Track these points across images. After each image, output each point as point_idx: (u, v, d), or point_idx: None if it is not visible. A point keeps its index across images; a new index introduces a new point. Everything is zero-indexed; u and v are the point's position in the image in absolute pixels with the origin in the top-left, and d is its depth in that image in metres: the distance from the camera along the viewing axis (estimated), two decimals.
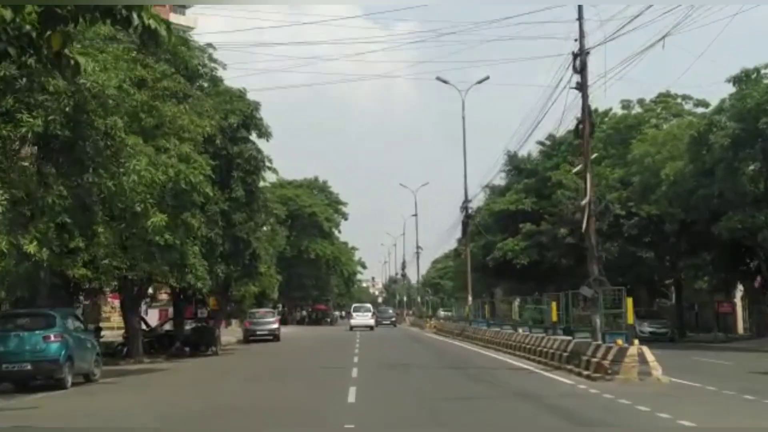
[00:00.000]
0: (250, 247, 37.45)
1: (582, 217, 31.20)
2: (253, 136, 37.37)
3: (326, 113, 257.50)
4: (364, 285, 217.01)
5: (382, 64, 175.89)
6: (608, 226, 45.81)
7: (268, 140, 38.33)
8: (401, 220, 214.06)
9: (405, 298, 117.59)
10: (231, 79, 38.58)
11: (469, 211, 50.33)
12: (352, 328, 68.20)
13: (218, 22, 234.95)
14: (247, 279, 42.44)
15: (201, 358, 36.15)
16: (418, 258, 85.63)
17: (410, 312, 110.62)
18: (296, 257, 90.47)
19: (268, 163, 37.89)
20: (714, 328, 47.78)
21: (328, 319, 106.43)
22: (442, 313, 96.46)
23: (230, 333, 53.94)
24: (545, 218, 52.20)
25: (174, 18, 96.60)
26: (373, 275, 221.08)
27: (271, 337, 49.41)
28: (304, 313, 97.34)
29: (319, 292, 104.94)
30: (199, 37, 36.36)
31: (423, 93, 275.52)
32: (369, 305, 79.69)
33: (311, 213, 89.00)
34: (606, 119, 55.47)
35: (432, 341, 46.56)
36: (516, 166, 63.51)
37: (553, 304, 31.85)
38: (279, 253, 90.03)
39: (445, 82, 55.46)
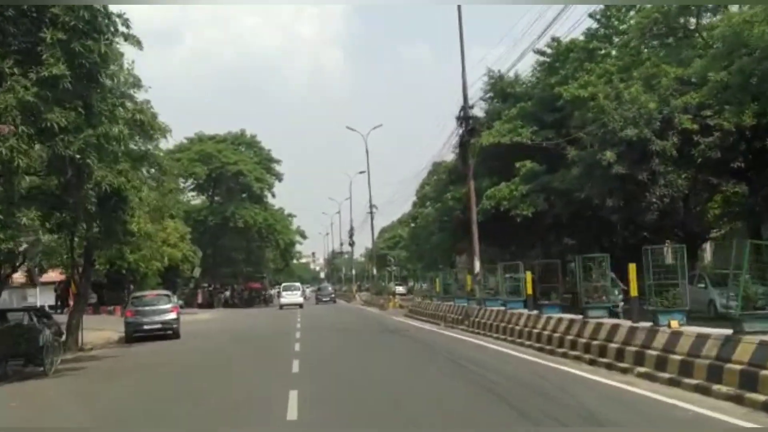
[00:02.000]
0: (90, 178, 19.88)
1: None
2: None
3: (256, 80, 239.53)
4: (304, 261, 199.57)
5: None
6: (674, 147, 29.29)
7: None
8: (345, 181, 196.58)
9: (353, 272, 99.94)
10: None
11: (471, 123, 32.71)
12: (281, 306, 64.28)
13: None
14: (110, 240, 25.06)
15: (4, 387, 18.70)
16: (372, 219, 67.21)
17: (362, 288, 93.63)
18: (221, 226, 72.58)
19: (124, 29, 20.04)
20: None
21: (263, 299, 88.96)
22: (399, 288, 78.77)
23: (114, 325, 36.15)
24: (566, 149, 35.25)
25: None
26: (314, 251, 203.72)
27: (165, 332, 31.90)
28: (227, 294, 79.00)
29: (252, 268, 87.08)
30: None
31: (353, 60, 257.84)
32: (298, 284, 73.52)
33: (237, 172, 71.24)
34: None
35: (428, 337, 28.64)
36: (501, 89, 46.59)
37: None
38: (198, 221, 72.64)
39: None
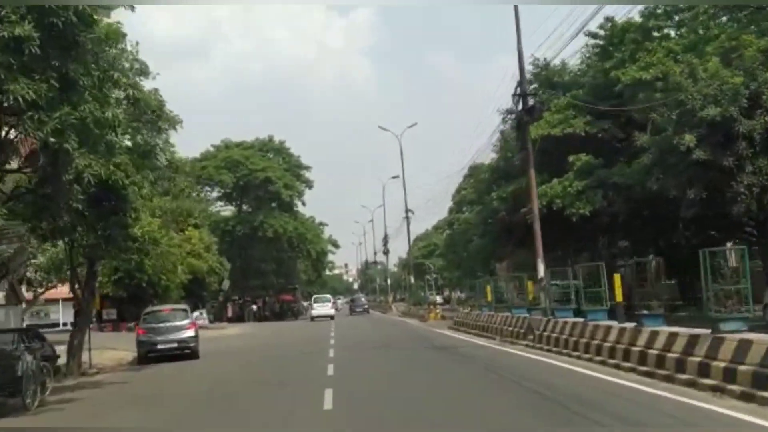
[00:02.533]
0: (69, 168, 15.80)
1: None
2: None
3: (285, 92, 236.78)
4: (337, 272, 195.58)
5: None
6: (764, 128, 25.02)
7: None
8: (377, 189, 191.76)
9: (388, 281, 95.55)
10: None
11: (529, 101, 28.24)
12: (313, 318, 63.96)
13: (166, 19, 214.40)
14: (110, 247, 21.21)
15: None
16: (408, 224, 61.78)
17: (397, 298, 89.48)
18: (250, 236, 68.91)
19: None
20: None
21: (295, 311, 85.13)
22: (437, 298, 74.41)
23: (131, 343, 32.24)
24: (630, 137, 30.94)
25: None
26: (347, 262, 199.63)
27: (183, 352, 27.93)
28: (255, 307, 74.81)
29: (283, 279, 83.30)
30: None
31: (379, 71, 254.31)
32: (329, 296, 73.35)
33: (265, 179, 67.60)
34: None
35: (486, 355, 24.16)
36: (547, 78, 42.29)
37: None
38: (226, 231, 69.04)
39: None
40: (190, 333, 28.36)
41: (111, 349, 31.70)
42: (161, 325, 28.36)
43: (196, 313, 68.16)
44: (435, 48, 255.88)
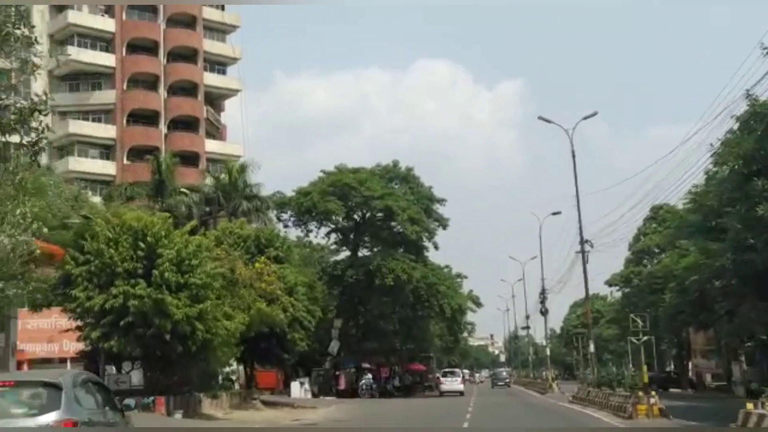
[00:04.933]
0: None
1: None
2: None
3: (430, 164, 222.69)
4: (482, 343, 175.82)
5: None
6: None
7: None
8: (527, 249, 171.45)
9: (547, 351, 75.21)
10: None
11: None
12: (442, 393, 59.39)
13: (322, 93, 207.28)
14: None
15: None
16: (584, 259, 40.71)
17: (552, 373, 69.71)
18: (365, 284, 51.80)
19: None
20: None
21: (427, 385, 67.16)
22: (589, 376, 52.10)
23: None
24: None
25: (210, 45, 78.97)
26: (492, 333, 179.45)
27: None
28: (370, 378, 56.03)
29: (414, 344, 65.44)
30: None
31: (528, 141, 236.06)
32: (458, 370, 70.36)
33: (385, 210, 50.59)
34: None
35: None
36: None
37: None
38: (334, 277, 52.43)
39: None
40: None
41: None
42: None
43: (294, 383, 52.10)
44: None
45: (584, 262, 38.34)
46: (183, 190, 51.38)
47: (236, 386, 39.71)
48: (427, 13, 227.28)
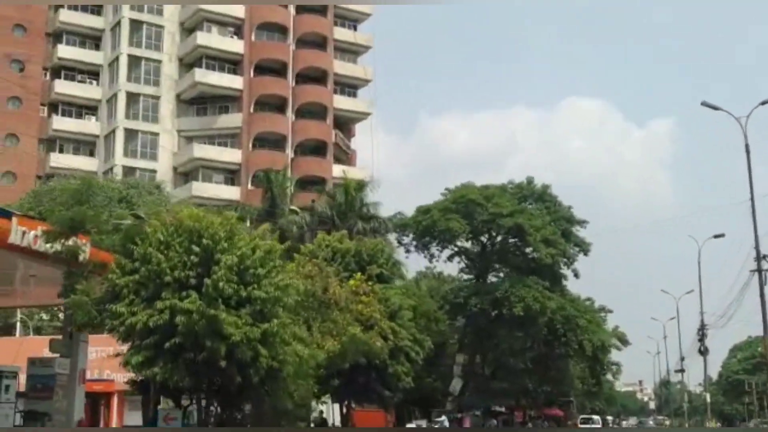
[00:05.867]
0: None
1: None
2: None
3: (580, 203, 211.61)
4: (630, 389, 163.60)
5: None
6: None
7: None
8: (681, 283, 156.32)
9: (707, 398, 65.40)
10: None
11: None
12: None
13: (464, 131, 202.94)
14: None
15: None
16: (761, 280, 32.44)
17: (714, 424, 60.42)
18: (491, 315, 45.25)
19: None
20: None
21: None
22: None
23: None
24: None
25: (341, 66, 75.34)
26: (641, 378, 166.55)
27: None
28: (496, 424, 48.39)
29: (550, 386, 57.98)
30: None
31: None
32: (596, 417, 66.75)
33: (515, 228, 43.84)
34: None
35: None
36: None
37: None
38: (455, 305, 46.08)
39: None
40: None
41: None
42: None
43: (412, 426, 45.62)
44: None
45: (761, 284, 30.36)
46: (293, 208, 46.96)
47: None
48: (575, 50, 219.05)
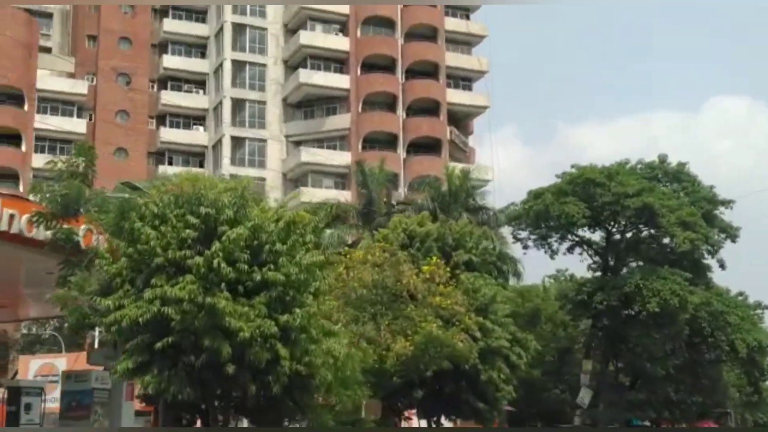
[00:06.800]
0: None
1: None
2: None
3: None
4: None
5: None
6: None
7: None
8: None
9: None
10: None
11: None
12: None
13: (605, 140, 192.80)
14: None
15: None
16: None
17: None
18: (620, 313, 38.16)
19: None
20: None
21: None
22: None
23: None
24: None
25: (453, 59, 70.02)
26: None
27: None
28: None
29: (701, 395, 49.65)
30: None
31: None
32: None
33: (644, 208, 36.57)
34: None
35: None
36: None
37: None
38: (578, 303, 39.20)
39: None
40: None
41: None
42: None
43: None
44: None
45: None
46: (395, 202, 41.86)
47: None
48: (719, 49, 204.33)
